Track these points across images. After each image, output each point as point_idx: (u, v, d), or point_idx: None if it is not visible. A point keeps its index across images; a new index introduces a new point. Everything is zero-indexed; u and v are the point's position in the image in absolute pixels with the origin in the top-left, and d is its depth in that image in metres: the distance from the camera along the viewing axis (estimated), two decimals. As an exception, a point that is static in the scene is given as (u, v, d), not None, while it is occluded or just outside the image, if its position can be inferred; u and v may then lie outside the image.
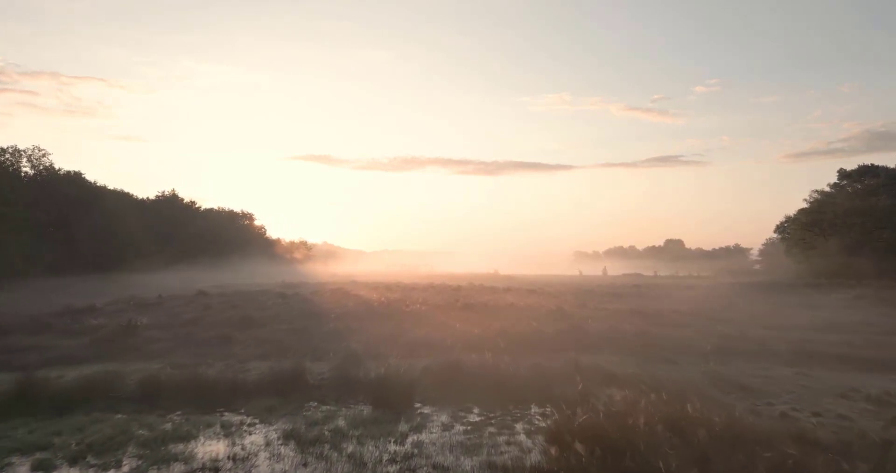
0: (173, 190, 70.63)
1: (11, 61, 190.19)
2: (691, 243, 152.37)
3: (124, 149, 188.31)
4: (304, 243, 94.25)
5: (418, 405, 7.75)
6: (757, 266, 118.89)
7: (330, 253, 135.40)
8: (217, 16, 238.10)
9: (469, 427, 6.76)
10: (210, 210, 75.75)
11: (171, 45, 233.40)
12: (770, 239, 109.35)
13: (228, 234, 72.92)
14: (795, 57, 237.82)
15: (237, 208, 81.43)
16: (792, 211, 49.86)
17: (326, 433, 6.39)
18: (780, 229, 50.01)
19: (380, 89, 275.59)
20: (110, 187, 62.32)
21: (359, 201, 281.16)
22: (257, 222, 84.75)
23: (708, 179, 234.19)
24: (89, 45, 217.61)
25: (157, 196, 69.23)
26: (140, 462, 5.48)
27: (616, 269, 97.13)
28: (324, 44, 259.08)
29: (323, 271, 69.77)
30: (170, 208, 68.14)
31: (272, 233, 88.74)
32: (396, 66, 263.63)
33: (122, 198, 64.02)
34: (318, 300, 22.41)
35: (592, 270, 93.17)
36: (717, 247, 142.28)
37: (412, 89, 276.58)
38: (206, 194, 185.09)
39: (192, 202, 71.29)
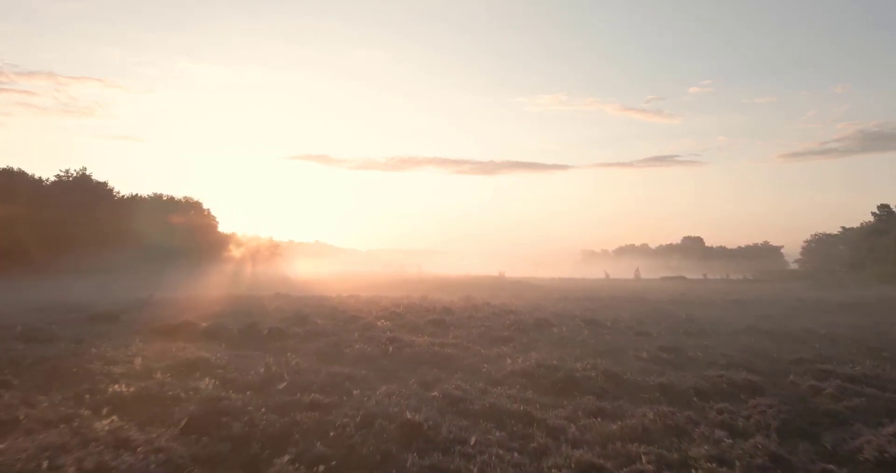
0: (83, 169, 54.18)
1: (9, 61, 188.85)
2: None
3: (122, 149, 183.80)
4: (265, 240, 77.57)
5: None
6: (795, 265, 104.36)
7: (319, 252, 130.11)
8: (214, 15, 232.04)
9: None
10: (136, 197, 59.15)
11: (168, 44, 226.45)
12: (816, 234, 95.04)
13: (160, 228, 56.39)
14: (788, 58, 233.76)
15: (179, 196, 64.67)
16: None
17: None
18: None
19: (377, 89, 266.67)
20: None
21: (356, 201, 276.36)
22: (207, 215, 68.01)
23: (706, 178, 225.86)
24: (86, 46, 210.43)
25: (58, 176, 52.75)
26: None
27: (632, 268, 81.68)
28: (321, 44, 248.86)
29: (275, 276, 53.93)
30: (76, 193, 51.83)
31: (232, 229, 72.16)
32: (394, 65, 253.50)
33: (10, 177, 48.23)
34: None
35: (615, 271, 77.54)
36: (742, 245, 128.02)
37: (409, 89, 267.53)
38: (205, 194, 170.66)
39: (105, 183, 54.68)
